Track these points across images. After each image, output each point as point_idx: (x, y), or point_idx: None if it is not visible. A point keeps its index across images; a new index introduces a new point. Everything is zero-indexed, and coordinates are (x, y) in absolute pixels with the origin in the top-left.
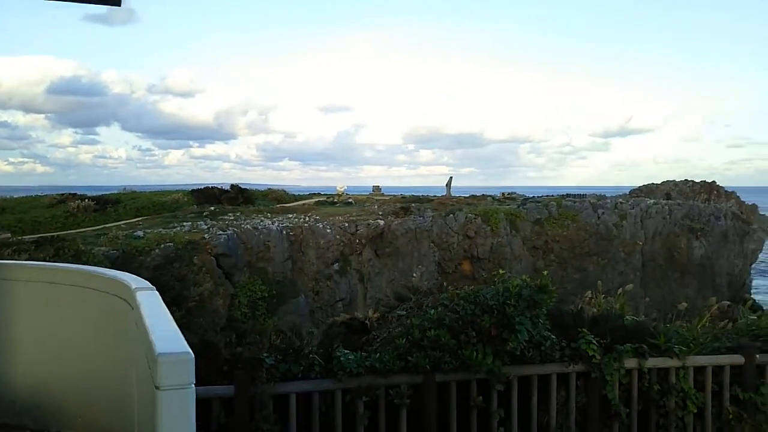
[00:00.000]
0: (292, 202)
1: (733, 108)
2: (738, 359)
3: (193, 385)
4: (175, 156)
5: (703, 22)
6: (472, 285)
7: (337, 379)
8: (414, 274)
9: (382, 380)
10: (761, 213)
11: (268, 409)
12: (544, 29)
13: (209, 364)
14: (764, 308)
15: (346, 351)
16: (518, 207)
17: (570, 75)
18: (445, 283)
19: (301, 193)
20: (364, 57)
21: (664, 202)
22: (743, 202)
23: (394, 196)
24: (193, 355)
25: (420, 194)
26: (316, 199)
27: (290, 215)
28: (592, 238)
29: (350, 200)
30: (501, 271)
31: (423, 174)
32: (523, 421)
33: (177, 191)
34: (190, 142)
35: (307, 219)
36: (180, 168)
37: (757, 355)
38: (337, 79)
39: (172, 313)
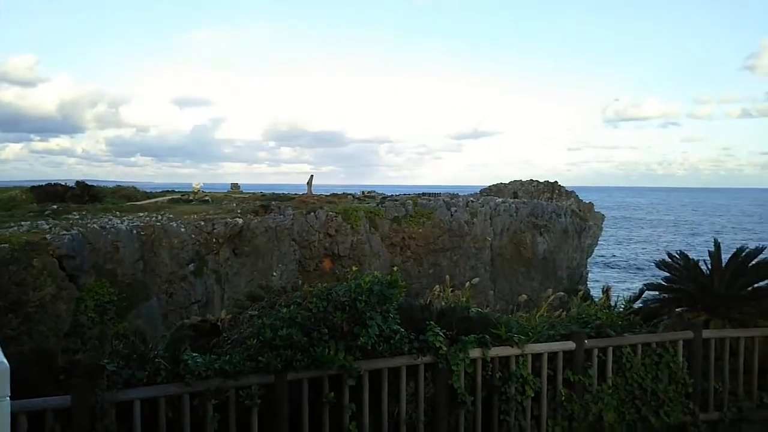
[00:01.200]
0: (144, 199)
1: (573, 114)
2: (570, 345)
3: (8, 398)
4: (12, 150)
5: (551, 31)
6: (332, 283)
7: (185, 383)
8: (274, 273)
9: (233, 382)
10: (596, 210)
11: (110, 417)
12: (403, 32)
13: (44, 374)
14: (594, 298)
15: (194, 354)
16: (377, 205)
17: (426, 78)
18: (299, 281)
19: (155, 191)
20: (224, 52)
21: (511, 200)
22: (581, 200)
23: (254, 193)
24: (7, 366)
25: (281, 192)
26: (170, 197)
27: (141, 214)
28: (445, 234)
29: (207, 198)
30: (354, 269)
31: (284, 172)
32: (374, 413)
33: (14, 188)
34: (31, 135)
35: (159, 218)
36: (18, 163)
37: (586, 341)
38: (194, 72)
39: (8, 321)
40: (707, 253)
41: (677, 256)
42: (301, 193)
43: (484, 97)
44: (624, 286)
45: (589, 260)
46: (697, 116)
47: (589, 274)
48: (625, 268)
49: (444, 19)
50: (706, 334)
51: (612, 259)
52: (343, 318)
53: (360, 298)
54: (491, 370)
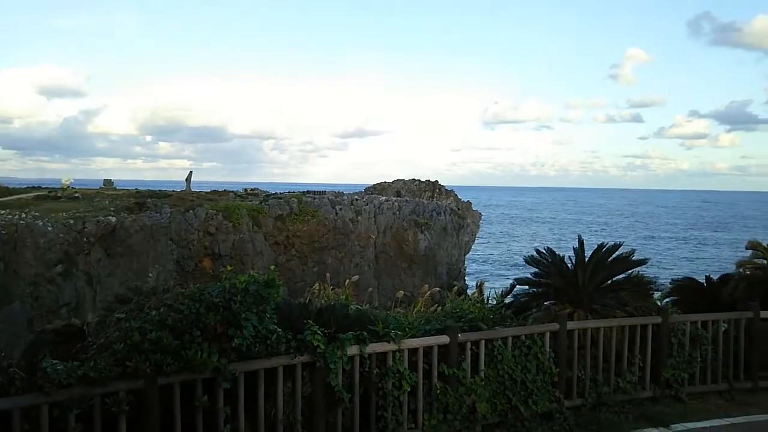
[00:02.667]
0: (6, 196)
1: (455, 115)
2: (444, 339)
3: None
4: None
5: (437, 32)
6: (212, 283)
7: (44, 393)
8: (150, 274)
9: (98, 389)
10: (474, 209)
11: None
12: (287, 28)
13: None
14: (469, 293)
15: (55, 361)
16: (261, 203)
17: (313, 75)
18: (171, 283)
19: (19, 186)
20: (97, 41)
21: (394, 199)
22: (460, 199)
23: (128, 190)
24: None
25: (158, 189)
26: (36, 194)
27: (2, 211)
28: (330, 232)
29: (77, 195)
30: (228, 268)
31: (162, 167)
32: (250, 415)
33: None
34: None
35: (23, 215)
36: None
37: (459, 335)
38: (63, 61)
39: None
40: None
41: (545, 252)
42: (179, 189)
43: (370, 96)
44: (501, 282)
45: (467, 256)
46: (567, 120)
47: (467, 270)
48: (502, 263)
49: (332, 15)
50: (570, 325)
51: (489, 256)
52: (216, 319)
53: (235, 298)
54: (369, 366)
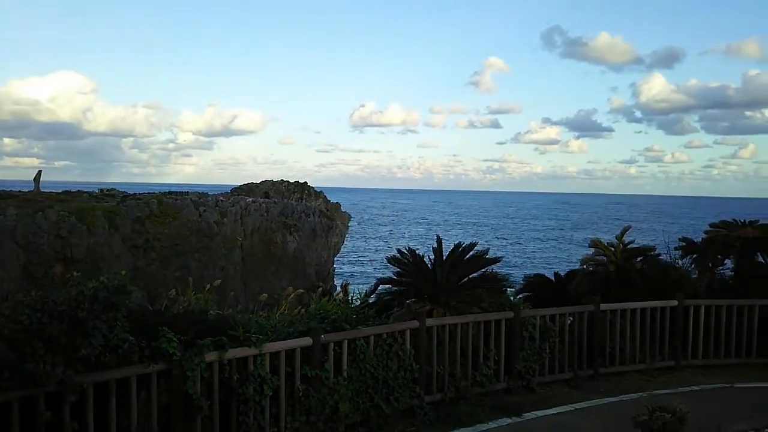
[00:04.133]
0: None
1: (323, 117)
2: (307, 341)
3: None
4: None
5: (303, 32)
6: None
7: None
8: None
9: None
10: (343, 210)
11: None
12: (147, 25)
13: None
14: (333, 294)
15: None
16: (118, 204)
17: (175, 70)
18: (14, 291)
19: None
20: None
21: (262, 200)
22: (329, 201)
23: None
24: None
25: (2, 189)
26: None
27: None
28: (193, 235)
29: None
30: (76, 274)
31: (7, 166)
32: (101, 429)
33: None
34: None
35: None
36: None
37: (323, 336)
38: None
39: None
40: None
41: (406, 252)
42: (27, 190)
43: (238, 94)
44: (369, 282)
45: (339, 258)
46: (431, 125)
47: (342, 271)
48: (379, 264)
49: (195, 11)
50: (429, 322)
51: (362, 256)
52: (61, 329)
53: (82, 306)
54: (229, 372)
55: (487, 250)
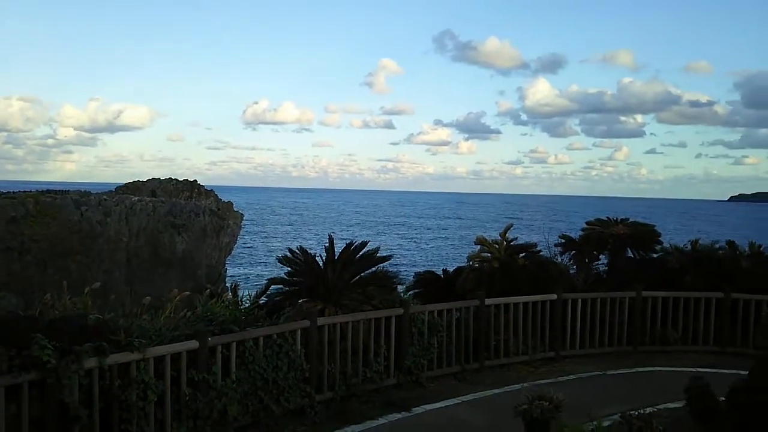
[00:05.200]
0: None
1: (213, 112)
2: (193, 344)
3: None
4: None
5: (191, 28)
6: None
7: None
8: None
9: None
10: (235, 210)
11: None
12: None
13: None
14: (223, 296)
15: None
16: None
17: (58, 64)
18: None
19: None
20: None
21: (148, 199)
22: (221, 199)
23: None
24: None
25: None
26: None
27: None
28: (75, 236)
29: None
30: None
31: None
32: None
33: None
34: None
35: None
36: None
37: (210, 338)
38: None
39: None
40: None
41: (297, 252)
42: None
43: (123, 89)
44: (262, 282)
45: (231, 259)
46: (326, 124)
47: (230, 273)
48: (267, 265)
49: (83, 5)
50: (321, 321)
51: (255, 258)
52: None
53: None
54: (110, 379)
55: (378, 248)
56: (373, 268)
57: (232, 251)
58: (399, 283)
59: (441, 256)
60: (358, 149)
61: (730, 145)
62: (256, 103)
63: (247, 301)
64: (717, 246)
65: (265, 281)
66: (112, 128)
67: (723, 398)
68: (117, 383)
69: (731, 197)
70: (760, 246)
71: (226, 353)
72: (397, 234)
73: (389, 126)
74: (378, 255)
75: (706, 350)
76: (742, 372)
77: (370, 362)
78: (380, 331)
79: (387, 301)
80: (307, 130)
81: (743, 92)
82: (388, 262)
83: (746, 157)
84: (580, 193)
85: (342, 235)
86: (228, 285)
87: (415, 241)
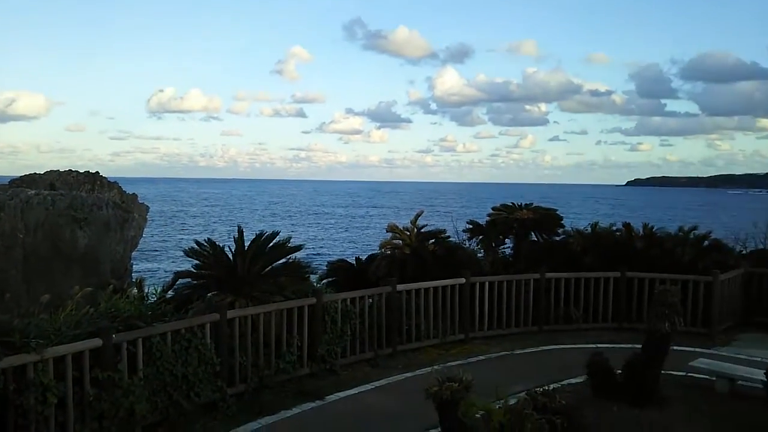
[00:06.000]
0: None
1: (115, 101)
2: (96, 342)
3: None
4: None
5: (88, 13)
6: None
7: None
8: None
9: None
10: (141, 202)
11: None
12: None
13: None
14: (129, 291)
15: None
16: None
17: None
18: None
19: None
20: None
21: (46, 192)
22: (125, 192)
23: None
24: None
25: None
26: None
27: None
28: None
29: None
30: None
31: None
32: None
33: None
34: None
35: None
36: None
37: (114, 335)
38: None
39: None
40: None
41: (205, 243)
42: None
43: (16, 76)
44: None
45: (137, 253)
46: (235, 112)
47: (137, 267)
48: (178, 259)
49: None
50: (231, 314)
51: (163, 252)
52: None
53: None
54: (4, 383)
55: (290, 238)
56: (285, 259)
57: (139, 245)
58: (312, 273)
59: (357, 245)
60: (269, 138)
61: (626, 132)
62: (161, 91)
63: (154, 296)
64: (614, 228)
65: (172, 275)
66: (4, 117)
67: (620, 371)
68: (12, 387)
69: (628, 182)
70: (652, 227)
71: (133, 350)
72: (313, 224)
73: (301, 114)
74: (290, 245)
75: (606, 327)
76: (638, 346)
77: (283, 353)
78: (293, 322)
79: (299, 291)
80: (215, 118)
81: (637, 82)
82: (301, 251)
83: (641, 143)
84: (488, 180)
85: (255, 227)
86: (132, 279)
87: (330, 230)
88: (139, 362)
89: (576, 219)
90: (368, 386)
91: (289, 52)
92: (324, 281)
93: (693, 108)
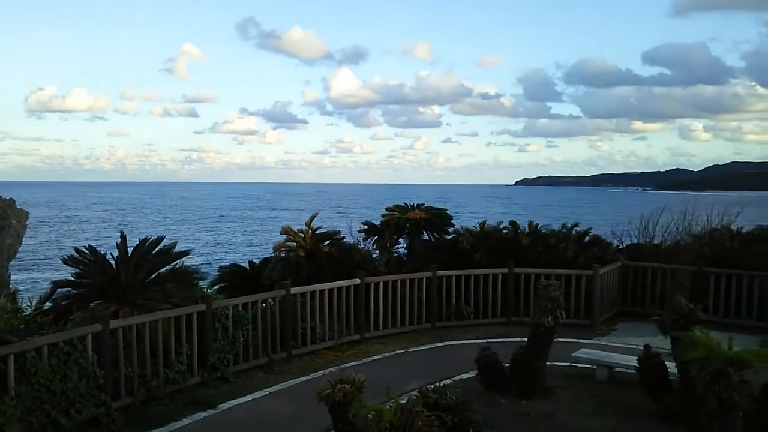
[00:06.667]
0: None
1: None
2: None
3: None
4: None
5: None
6: None
7: None
8: None
9: None
10: (19, 208)
11: None
12: None
13: None
14: (21, 301)
15: None
16: None
17: None
18: None
19: None
20: None
21: None
22: (1, 196)
23: None
24: None
25: None
26: None
27: None
28: None
29: None
30: None
31: None
32: None
33: None
34: None
35: None
36: None
37: None
38: None
39: None
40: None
41: (86, 250)
42: None
43: None
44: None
45: (14, 261)
46: (123, 112)
47: (14, 277)
48: (57, 267)
49: None
50: (114, 324)
51: (42, 260)
52: None
53: None
54: None
55: (176, 242)
56: (172, 264)
57: (17, 254)
58: (201, 279)
59: (256, 248)
60: (160, 139)
61: (515, 134)
62: (41, 89)
63: (30, 308)
64: (502, 226)
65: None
66: None
67: (508, 365)
68: None
69: (517, 181)
70: (537, 225)
71: (3, 367)
72: (210, 227)
73: (192, 114)
74: (177, 250)
75: (496, 322)
76: (526, 340)
77: (171, 363)
78: (181, 330)
79: (188, 298)
80: (100, 118)
81: (525, 86)
82: (199, 257)
83: (529, 145)
84: (385, 181)
85: (145, 232)
86: (10, 290)
87: (229, 234)
88: (11, 380)
89: (473, 218)
90: (262, 392)
91: (180, 50)
92: (216, 287)
93: (576, 111)
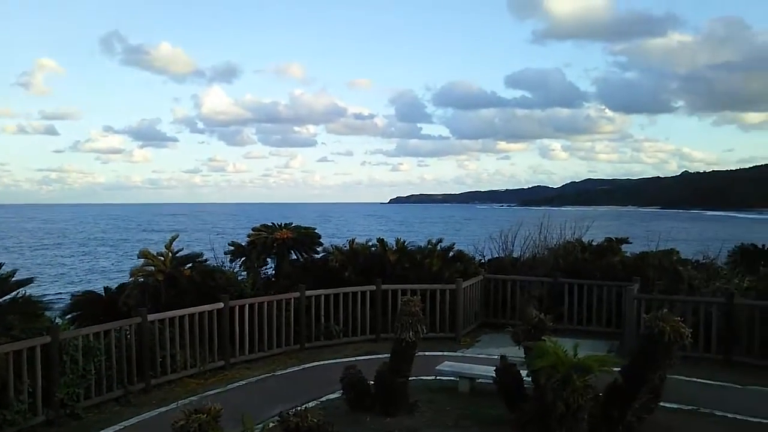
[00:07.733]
0: None
1: None
2: None
3: None
4: None
5: None
6: None
7: None
8: None
9: None
10: None
11: None
12: None
13: None
14: None
15: None
16: None
17: None
18: None
19: None
20: None
21: None
22: None
23: None
24: None
25: None
26: None
27: None
28: None
29: None
30: None
31: None
32: None
33: None
34: None
35: None
36: None
37: None
38: None
39: None
40: None
41: None
42: None
43: None
44: None
45: None
46: None
47: None
48: None
49: None
50: None
51: None
52: None
53: None
54: None
55: (15, 271)
56: (13, 294)
57: None
58: (47, 309)
59: (114, 273)
60: (13, 158)
61: (388, 154)
62: None
63: None
64: (370, 244)
65: None
66: None
67: (372, 382)
68: None
69: (391, 199)
70: (404, 242)
71: None
72: (75, 252)
73: (51, 132)
74: (16, 279)
75: (365, 339)
76: None
77: (10, 402)
78: (22, 365)
79: (32, 330)
80: None
81: (397, 107)
82: (55, 285)
83: (401, 164)
84: (260, 200)
85: (5, 259)
86: None
87: (94, 260)
88: None
89: (360, 236)
90: (117, 427)
91: (37, 63)
92: (68, 316)
93: (444, 132)
